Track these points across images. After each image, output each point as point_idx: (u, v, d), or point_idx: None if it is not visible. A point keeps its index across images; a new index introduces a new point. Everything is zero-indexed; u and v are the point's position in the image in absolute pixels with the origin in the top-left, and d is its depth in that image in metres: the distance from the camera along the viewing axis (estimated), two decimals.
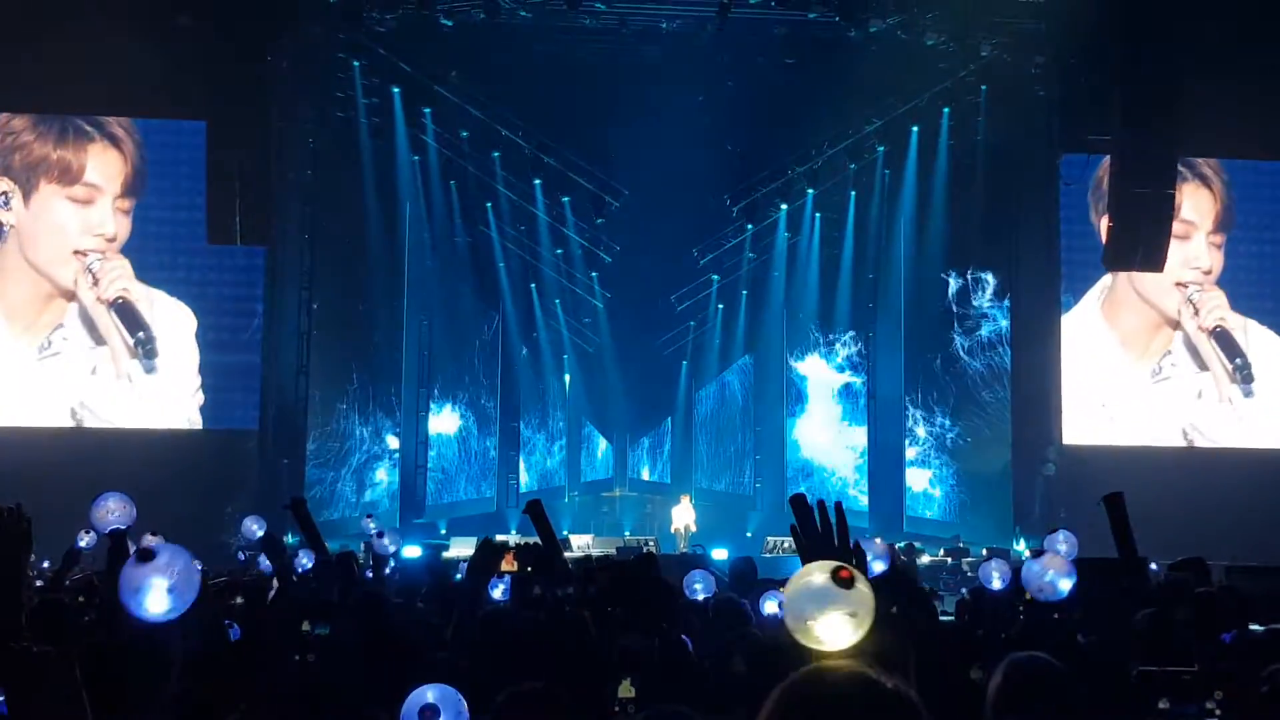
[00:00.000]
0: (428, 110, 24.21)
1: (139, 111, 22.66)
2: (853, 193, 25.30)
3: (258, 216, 20.08)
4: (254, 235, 20.42)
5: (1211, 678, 4.50)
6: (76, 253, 22.04)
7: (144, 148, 22.61)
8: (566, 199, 25.19)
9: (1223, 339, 23.71)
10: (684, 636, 5.93)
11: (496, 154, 24.74)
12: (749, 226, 25.79)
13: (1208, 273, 23.73)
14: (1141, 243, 20.49)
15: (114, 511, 5.56)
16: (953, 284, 24.64)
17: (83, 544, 9.86)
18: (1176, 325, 23.81)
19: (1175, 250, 22.16)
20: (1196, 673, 4.62)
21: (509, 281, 25.97)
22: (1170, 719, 4.42)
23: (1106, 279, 23.72)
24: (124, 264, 22.12)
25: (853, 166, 25.18)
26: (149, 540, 5.26)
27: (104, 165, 22.40)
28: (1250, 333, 23.87)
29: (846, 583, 2.55)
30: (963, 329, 24.53)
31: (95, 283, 21.93)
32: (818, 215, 25.62)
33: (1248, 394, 23.76)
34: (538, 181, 25.01)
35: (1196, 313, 23.68)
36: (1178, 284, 23.57)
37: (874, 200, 25.30)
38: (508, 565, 7.45)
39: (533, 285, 26.11)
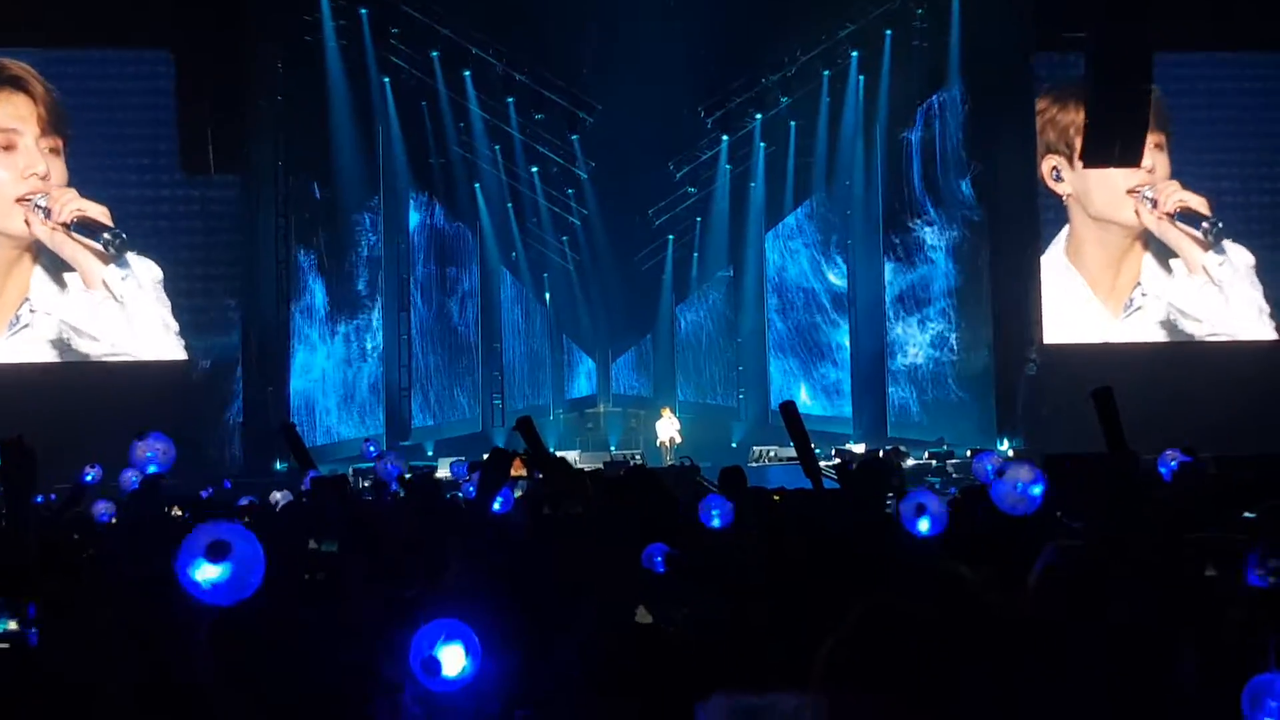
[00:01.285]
0: (395, 30, 23.97)
1: (102, 42, 22.38)
2: (827, 99, 25.17)
3: (230, 145, 19.96)
4: (227, 164, 20.31)
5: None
6: (19, 200, 21.77)
7: (52, 88, 22.26)
8: (540, 116, 25.03)
9: (1186, 215, 23.78)
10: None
11: (467, 73, 24.53)
12: (724, 138, 25.68)
13: (1151, 171, 23.62)
14: (1118, 138, 20.47)
15: (154, 451, 5.46)
16: (930, 188, 24.61)
17: (89, 478, 9.85)
18: (1141, 234, 23.85)
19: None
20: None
21: (485, 202, 25.88)
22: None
23: (1063, 230, 23.82)
24: (71, 192, 21.88)
25: (826, 73, 25.03)
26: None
27: (13, 108, 22.07)
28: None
29: None
30: (941, 233, 24.53)
31: (47, 215, 21.69)
32: (793, 124, 25.50)
33: (1221, 262, 23.85)
34: (510, 100, 24.84)
35: (1155, 205, 23.70)
36: (1129, 192, 23.58)
37: (848, 106, 25.19)
38: (517, 471, 7.49)
39: (509, 205, 26.02)
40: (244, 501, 10.46)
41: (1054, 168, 23.59)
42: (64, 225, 21.69)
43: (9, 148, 21.87)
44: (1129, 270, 24.00)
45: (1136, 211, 23.68)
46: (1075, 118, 22.61)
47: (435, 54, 24.28)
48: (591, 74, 24.23)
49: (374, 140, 24.40)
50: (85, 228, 21.77)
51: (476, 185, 25.69)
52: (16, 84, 22.15)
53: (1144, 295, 23.96)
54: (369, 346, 24.37)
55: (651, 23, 23.22)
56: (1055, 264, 23.93)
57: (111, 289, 21.91)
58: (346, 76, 23.77)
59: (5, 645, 3.72)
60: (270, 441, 21.05)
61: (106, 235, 21.79)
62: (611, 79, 23.62)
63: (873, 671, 2.04)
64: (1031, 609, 3.49)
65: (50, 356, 22.04)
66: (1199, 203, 23.80)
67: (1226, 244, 23.95)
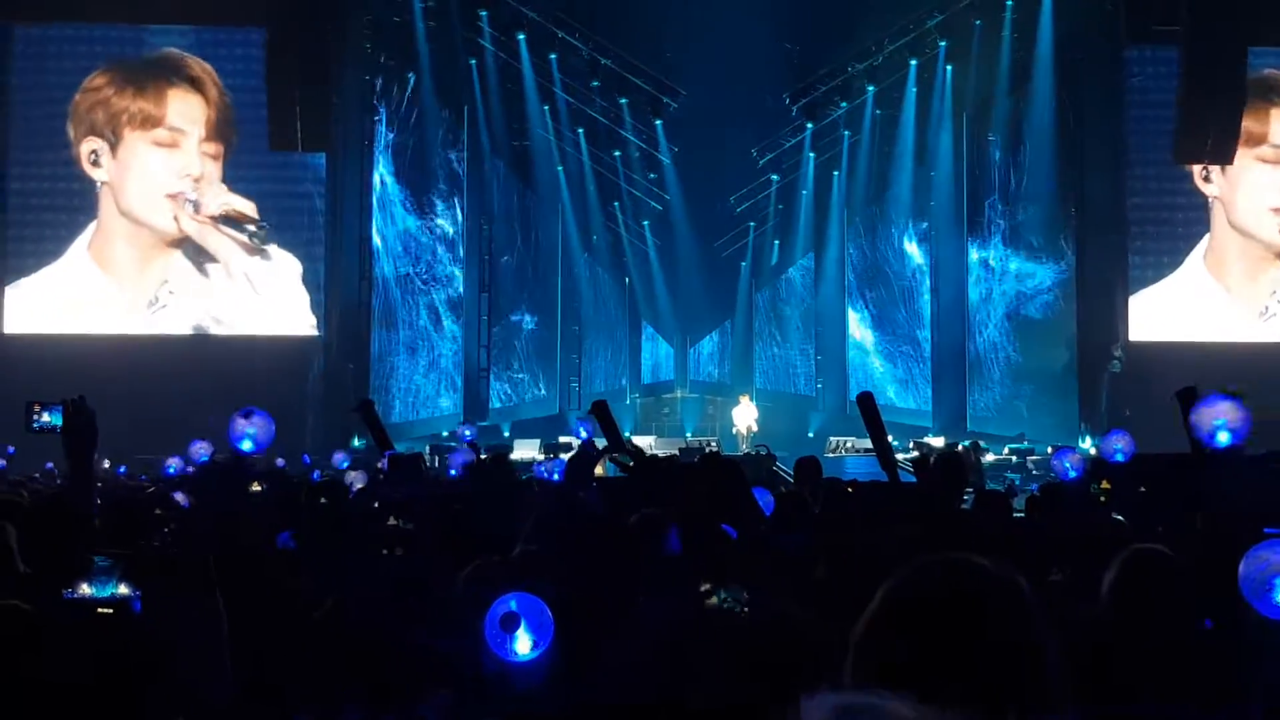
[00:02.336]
0: (484, 13, 24.04)
1: (199, 19, 22.64)
2: (914, 89, 24.94)
3: (318, 122, 20.13)
4: (314, 141, 20.49)
5: None
6: (169, 196, 22.12)
7: (228, 93, 22.60)
8: (624, 100, 25.03)
9: None
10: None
11: (554, 56, 24.56)
12: (809, 125, 25.54)
13: None
14: (1211, 134, 20.12)
15: (254, 428, 5.48)
16: (1017, 180, 24.34)
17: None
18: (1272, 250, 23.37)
19: (1266, 174, 21.90)
20: None
21: (568, 185, 25.93)
22: None
23: (1204, 240, 23.36)
24: (221, 187, 22.25)
25: (914, 62, 24.80)
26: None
27: (186, 109, 22.43)
28: None
29: None
30: (1027, 226, 24.26)
31: (196, 209, 22.05)
32: (878, 112, 25.31)
33: None
34: (595, 84, 24.85)
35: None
36: (1273, 209, 23.09)
37: (935, 96, 24.95)
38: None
39: (591, 188, 26.04)
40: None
41: (1205, 167, 22.99)
42: (211, 218, 22.04)
43: (172, 145, 22.22)
44: (1266, 278, 23.44)
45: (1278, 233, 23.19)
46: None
47: (522, 36, 24.33)
48: (676, 59, 24.18)
49: (459, 121, 24.50)
50: (231, 221, 22.12)
51: (560, 168, 25.74)
52: (194, 84, 22.50)
53: None
54: (449, 327, 24.50)
55: (737, 8, 23.12)
56: (1195, 273, 23.47)
57: (252, 280, 22.25)
58: (433, 57, 23.88)
59: (109, 610, 3.76)
60: (348, 418, 21.23)
61: (251, 228, 22.14)
62: (696, 65, 23.57)
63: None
64: (1107, 613, 3.44)
65: (182, 331, 22.45)
66: None
67: None
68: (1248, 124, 21.94)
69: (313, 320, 22.64)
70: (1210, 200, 23.34)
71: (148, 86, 22.39)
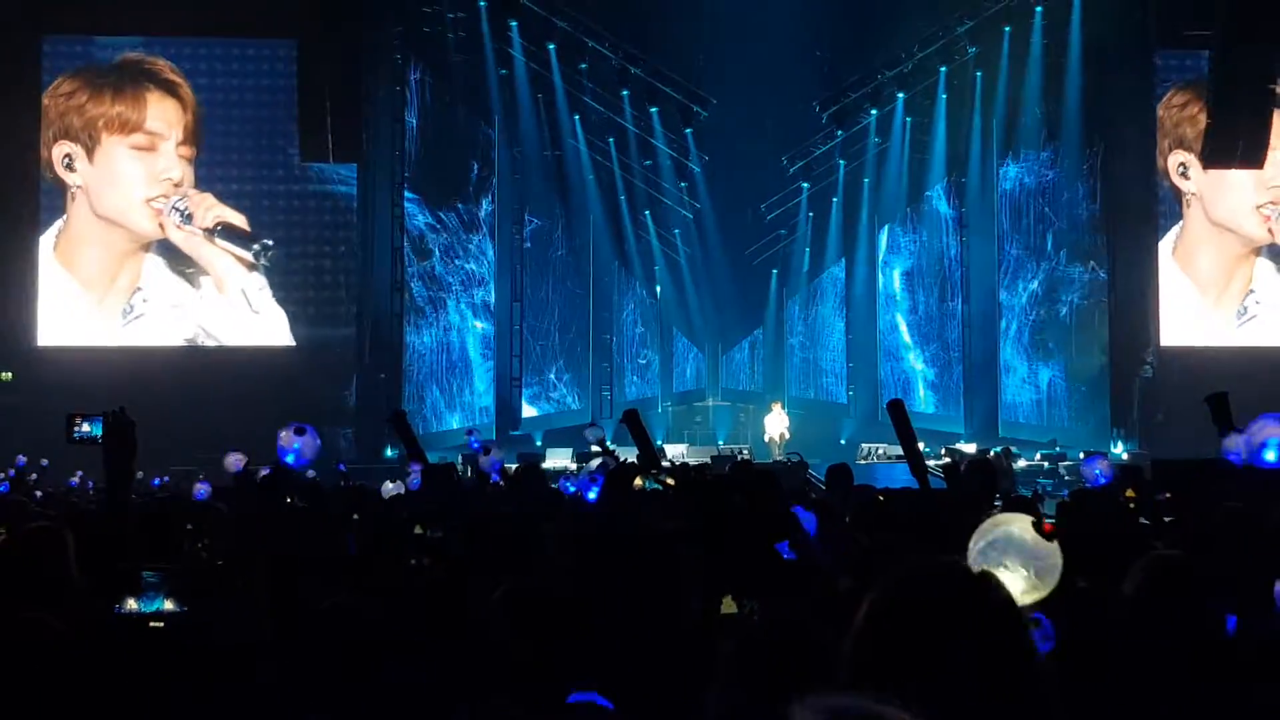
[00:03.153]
0: (514, 23, 24.12)
1: (230, 32, 22.83)
2: (944, 96, 24.91)
3: (349, 133, 20.26)
4: (345, 152, 20.62)
5: None
6: (148, 201, 22.24)
7: (200, 95, 22.79)
8: (654, 109, 25.07)
9: None
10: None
11: (584, 65, 24.63)
12: (839, 132, 25.54)
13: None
14: (1241, 138, 20.05)
15: (299, 443, 5.51)
16: (1049, 187, 24.30)
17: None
18: (1258, 251, 23.32)
19: (1249, 172, 21.87)
20: None
21: (599, 194, 25.98)
22: None
23: (1174, 229, 23.35)
24: (207, 197, 22.36)
25: (943, 69, 24.77)
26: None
27: (163, 112, 22.63)
28: None
29: (1046, 537, 2.54)
30: (1060, 233, 24.22)
31: (187, 219, 22.14)
32: (908, 119, 25.28)
33: None
34: (625, 93, 24.89)
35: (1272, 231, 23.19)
36: (1258, 208, 23.05)
37: (966, 103, 24.91)
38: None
39: (622, 197, 26.08)
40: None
41: (1181, 164, 23.03)
42: (206, 230, 22.14)
43: (150, 149, 22.39)
44: (1241, 277, 23.46)
45: (1270, 230, 23.10)
46: None
47: (552, 46, 24.40)
48: (706, 68, 24.22)
49: (490, 132, 24.61)
50: (232, 235, 22.21)
51: (590, 177, 25.79)
52: (170, 89, 22.69)
53: (1258, 304, 23.42)
54: (482, 336, 24.60)
55: (766, 16, 23.15)
56: (1162, 262, 23.47)
57: (249, 298, 22.34)
58: (464, 68, 23.99)
59: (160, 624, 3.81)
60: (382, 428, 21.34)
61: (257, 246, 22.25)
62: (726, 73, 23.61)
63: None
64: (1128, 618, 3.46)
65: (171, 342, 22.53)
66: None
67: None
68: None
69: (304, 328, 22.72)
70: (1186, 196, 23.32)
71: (125, 90, 22.54)
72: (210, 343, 22.47)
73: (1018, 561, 2.54)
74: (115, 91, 22.53)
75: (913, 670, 2.00)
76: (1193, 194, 23.23)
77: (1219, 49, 20.46)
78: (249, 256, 22.26)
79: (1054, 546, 2.55)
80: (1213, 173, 22.45)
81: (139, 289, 22.45)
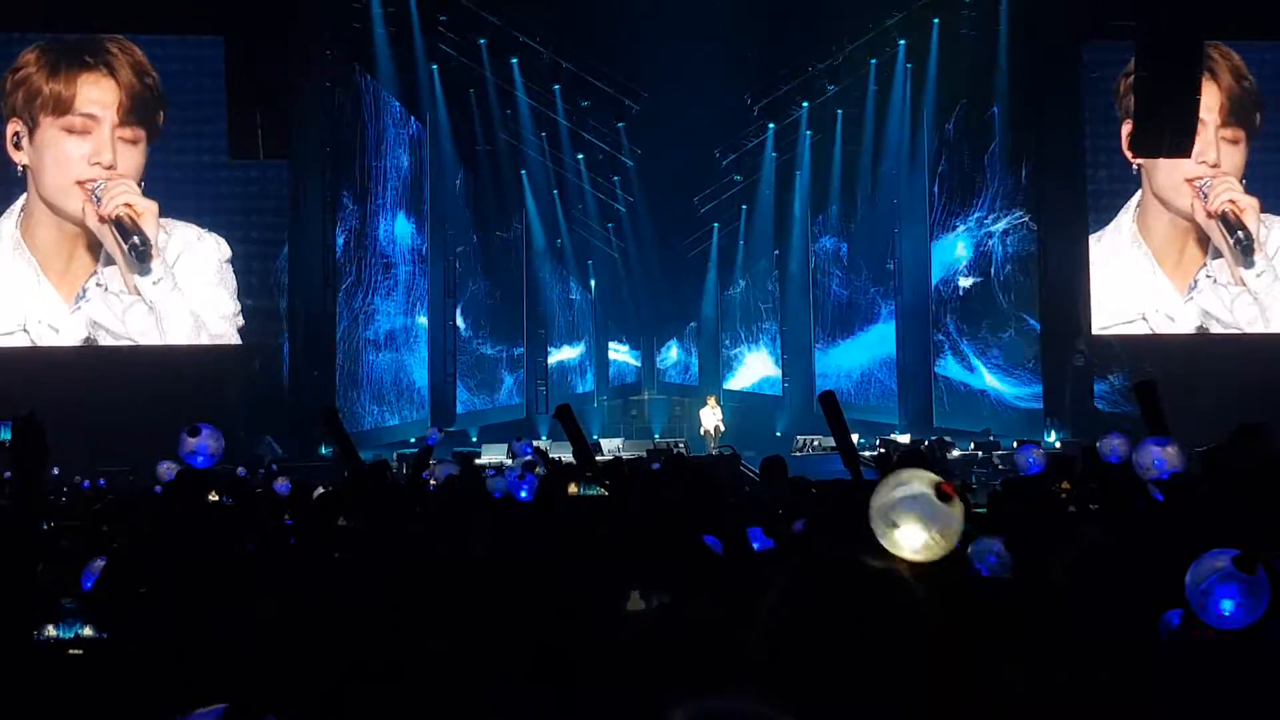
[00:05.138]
0: (444, 18, 24.00)
1: (154, 28, 22.51)
2: (874, 88, 25.04)
3: (279, 130, 20.04)
4: (275, 149, 20.39)
5: None
6: (79, 183, 21.90)
7: (148, 77, 22.38)
8: (586, 104, 25.04)
9: (1227, 220, 23.53)
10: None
11: (515, 60, 24.55)
12: (771, 125, 25.62)
13: (1215, 165, 23.40)
14: (1168, 127, 20.23)
15: (205, 444, 5.42)
16: (978, 177, 24.46)
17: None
18: (1192, 220, 23.65)
19: None
20: None
21: (531, 189, 25.91)
22: None
23: (1136, 195, 23.60)
24: (128, 184, 21.96)
25: (873, 62, 24.90)
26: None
27: (99, 94, 22.12)
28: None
29: (945, 497, 2.56)
30: (989, 223, 24.37)
31: (99, 203, 21.81)
32: (840, 112, 25.40)
33: (1250, 265, 23.62)
34: (557, 87, 24.85)
35: (1206, 200, 23.50)
36: (1188, 180, 23.37)
37: (895, 94, 25.05)
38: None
39: (555, 192, 26.05)
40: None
41: (1130, 134, 23.24)
42: (103, 217, 21.78)
43: (84, 132, 22.02)
44: (1193, 250, 23.74)
45: (1191, 205, 23.44)
46: None
47: (483, 41, 24.30)
48: (638, 62, 24.19)
49: (421, 127, 24.48)
50: (121, 227, 21.85)
51: (523, 172, 25.73)
52: (109, 68, 22.25)
53: (1209, 278, 23.70)
54: (415, 333, 24.46)
55: (697, 11, 23.15)
56: (1123, 229, 23.68)
57: (142, 293, 21.98)
58: (394, 63, 23.83)
59: (80, 651, 3.74)
60: (314, 426, 21.17)
61: (135, 239, 21.83)
62: (658, 67, 23.59)
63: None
64: (1059, 603, 3.46)
65: (104, 339, 22.19)
66: (1248, 206, 23.51)
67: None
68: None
69: (230, 324, 22.45)
70: (1136, 168, 23.62)
71: (60, 69, 22.14)
72: (118, 342, 22.01)
73: (919, 518, 2.56)
74: (52, 71, 22.14)
75: (811, 664, 1.99)
76: (1140, 164, 23.45)
77: (1142, 38, 20.62)
78: (124, 248, 21.83)
79: (957, 508, 2.58)
80: None
81: (94, 274, 22.02)
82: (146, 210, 21.89)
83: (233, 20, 20.00)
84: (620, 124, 25.12)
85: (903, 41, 24.59)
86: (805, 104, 25.45)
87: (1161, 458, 5.78)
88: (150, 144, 22.24)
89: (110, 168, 21.87)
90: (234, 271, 22.47)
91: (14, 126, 22.06)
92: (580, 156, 25.79)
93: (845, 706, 1.95)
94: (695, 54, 22.81)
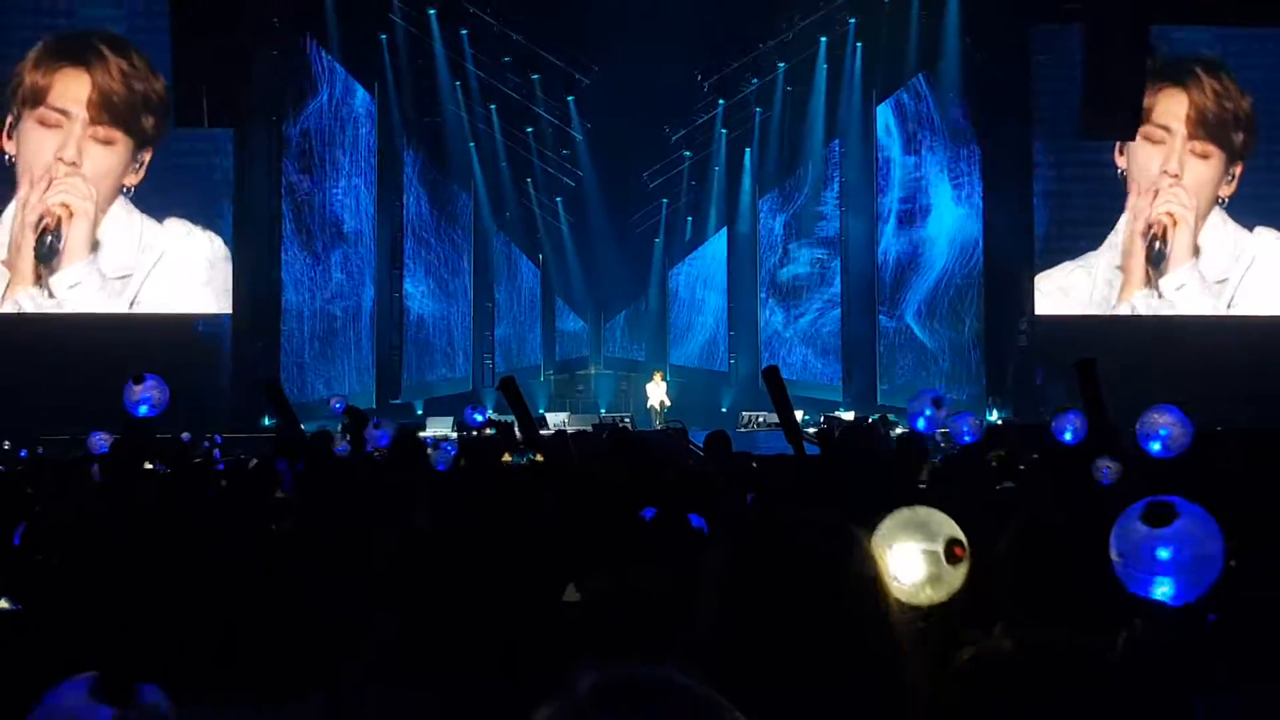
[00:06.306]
0: None
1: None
2: (824, 65, 25.09)
3: (225, 98, 19.88)
4: (221, 117, 20.23)
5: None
6: (43, 176, 21.67)
7: (141, 81, 22.04)
8: (536, 77, 24.95)
9: (1149, 227, 23.69)
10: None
11: (464, 31, 24.42)
12: (720, 102, 25.62)
13: (1175, 176, 23.59)
14: (1117, 110, 20.40)
15: (149, 394, 5.39)
16: (926, 156, 24.57)
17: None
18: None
19: (1153, 154, 22.56)
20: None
21: (480, 161, 25.80)
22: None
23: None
24: (74, 184, 21.69)
25: (823, 39, 24.94)
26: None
27: (74, 90, 21.87)
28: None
29: (954, 559, 2.54)
30: (937, 201, 24.49)
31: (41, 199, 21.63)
32: (789, 89, 25.44)
33: (1161, 275, 23.84)
34: (507, 59, 24.74)
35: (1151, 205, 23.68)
36: (1154, 191, 23.55)
37: (845, 72, 25.11)
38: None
39: (504, 165, 25.94)
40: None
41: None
42: (39, 215, 21.60)
43: (55, 126, 21.73)
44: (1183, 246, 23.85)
45: (1168, 214, 23.59)
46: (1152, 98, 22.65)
47: (433, 12, 24.15)
48: (589, 36, 24.12)
49: (370, 97, 24.31)
50: (42, 225, 21.63)
51: (471, 145, 25.61)
52: (89, 65, 21.90)
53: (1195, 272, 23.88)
54: (361, 303, 24.33)
55: None
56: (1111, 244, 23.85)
57: (55, 294, 21.78)
58: (343, 32, 23.64)
59: None
60: (259, 397, 21.03)
61: (50, 238, 21.71)
62: (609, 41, 23.52)
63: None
64: (1001, 582, 3.47)
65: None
66: (1180, 220, 23.64)
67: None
68: (1170, 103, 22.61)
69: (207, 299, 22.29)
70: (1121, 173, 23.75)
71: (43, 63, 21.94)
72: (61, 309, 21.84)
73: (924, 558, 2.56)
74: (36, 63, 21.86)
75: (760, 628, 1.99)
76: (1124, 170, 23.55)
77: (1090, 21, 20.77)
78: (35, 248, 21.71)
79: (960, 572, 2.57)
80: (1131, 149, 22.94)
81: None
82: (79, 212, 21.63)
83: None
84: (570, 98, 25.05)
85: (853, 20, 24.64)
86: (755, 81, 25.46)
87: (1166, 426, 5.81)
88: (141, 147, 21.92)
89: (73, 164, 21.60)
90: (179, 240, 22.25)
91: (9, 118, 21.80)
92: (529, 130, 25.70)
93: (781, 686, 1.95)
94: (646, 29, 22.75)
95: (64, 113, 21.79)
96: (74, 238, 21.76)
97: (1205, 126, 23.74)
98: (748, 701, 1.41)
